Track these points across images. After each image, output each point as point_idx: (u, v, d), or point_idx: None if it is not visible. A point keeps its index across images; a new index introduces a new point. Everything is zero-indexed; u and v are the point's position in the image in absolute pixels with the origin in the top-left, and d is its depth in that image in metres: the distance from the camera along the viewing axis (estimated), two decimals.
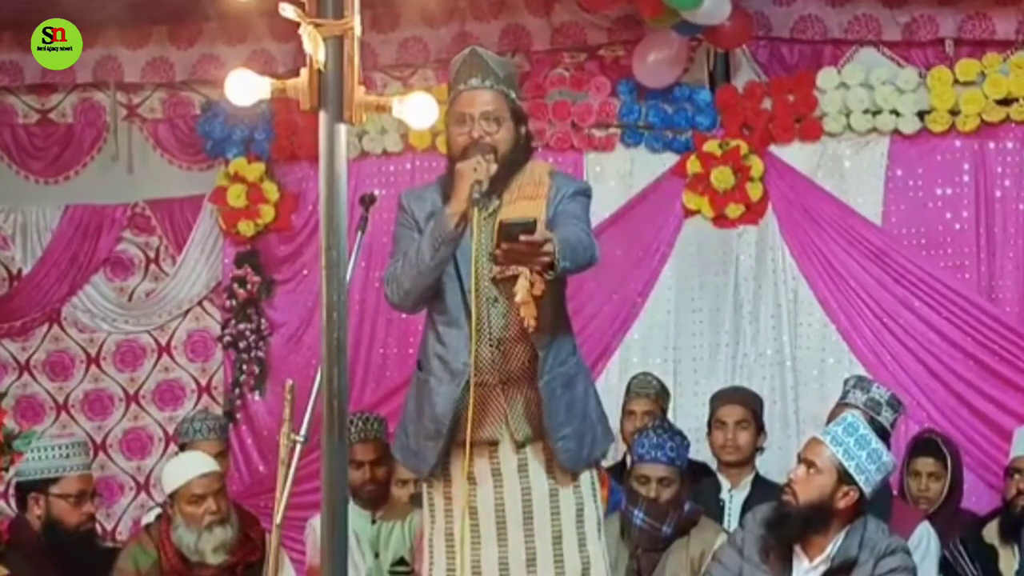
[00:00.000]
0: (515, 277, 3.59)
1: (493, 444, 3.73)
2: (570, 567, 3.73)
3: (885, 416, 4.85)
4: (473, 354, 3.62)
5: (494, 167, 3.63)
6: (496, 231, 3.39)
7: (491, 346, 3.68)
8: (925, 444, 5.19)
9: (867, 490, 3.96)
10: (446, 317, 3.71)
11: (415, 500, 5.35)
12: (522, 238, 3.34)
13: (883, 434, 4.87)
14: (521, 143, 3.78)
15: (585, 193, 3.83)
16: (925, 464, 5.11)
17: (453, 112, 3.73)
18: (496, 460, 3.73)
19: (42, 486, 4.62)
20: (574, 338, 3.87)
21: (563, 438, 3.71)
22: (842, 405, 4.86)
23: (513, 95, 3.77)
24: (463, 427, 3.65)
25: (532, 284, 3.55)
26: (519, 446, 3.73)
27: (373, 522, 5.03)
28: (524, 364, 3.69)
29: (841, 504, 3.96)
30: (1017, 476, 4.80)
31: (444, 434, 3.68)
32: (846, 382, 5.04)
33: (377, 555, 5.02)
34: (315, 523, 5.10)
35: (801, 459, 4.07)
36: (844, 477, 3.95)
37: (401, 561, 5.03)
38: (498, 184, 3.69)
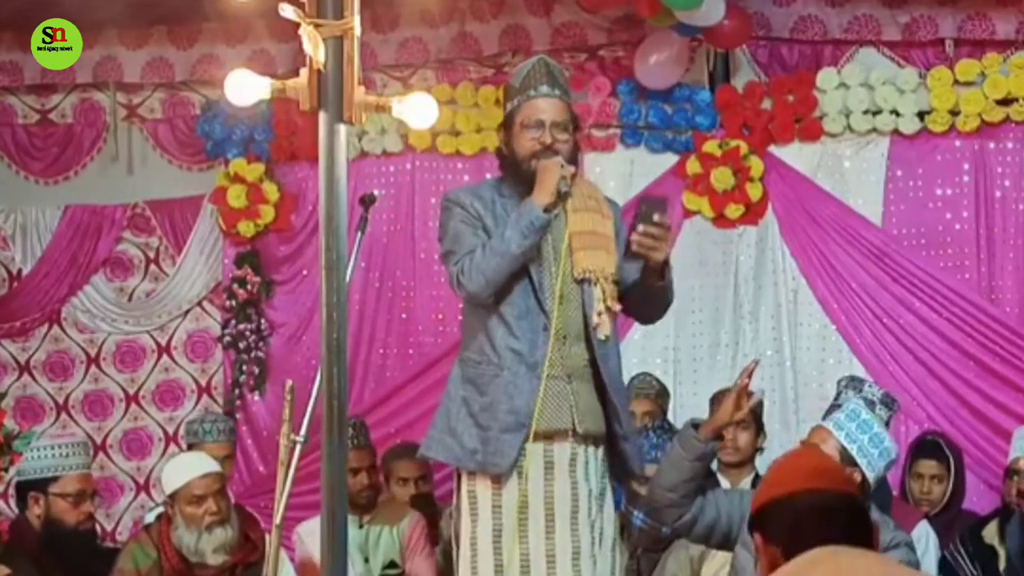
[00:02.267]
0: (587, 279, 3.81)
1: (551, 437, 3.78)
2: (601, 567, 3.80)
3: (880, 414, 4.86)
4: (550, 348, 3.75)
5: (573, 168, 3.83)
6: (636, 213, 3.72)
7: (559, 341, 3.78)
8: (928, 446, 5.19)
9: (870, 475, 3.97)
10: (516, 310, 3.79)
11: (416, 500, 5.36)
12: (656, 217, 3.69)
13: None
14: (577, 150, 3.96)
15: (624, 224, 4.02)
16: (928, 466, 5.11)
17: (523, 115, 3.85)
18: (550, 453, 3.79)
19: (41, 485, 4.62)
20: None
21: (630, 441, 3.91)
22: (836, 407, 4.87)
23: (571, 103, 3.96)
24: (536, 419, 3.75)
25: (607, 297, 3.81)
26: (578, 441, 3.80)
27: (361, 527, 5.03)
28: (586, 362, 3.82)
29: None
30: (1016, 477, 4.80)
31: (526, 425, 3.73)
32: (839, 383, 5.05)
33: (367, 560, 5.02)
34: (301, 530, 5.11)
35: (802, 442, 4.09)
36: (846, 459, 3.97)
37: (391, 564, 5.03)
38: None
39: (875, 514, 4.02)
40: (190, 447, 5.43)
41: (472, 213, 3.85)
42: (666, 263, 3.79)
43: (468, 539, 3.83)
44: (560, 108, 3.83)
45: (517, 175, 3.84)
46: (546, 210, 3.72)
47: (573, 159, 3.87)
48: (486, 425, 3.78)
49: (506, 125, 3.90)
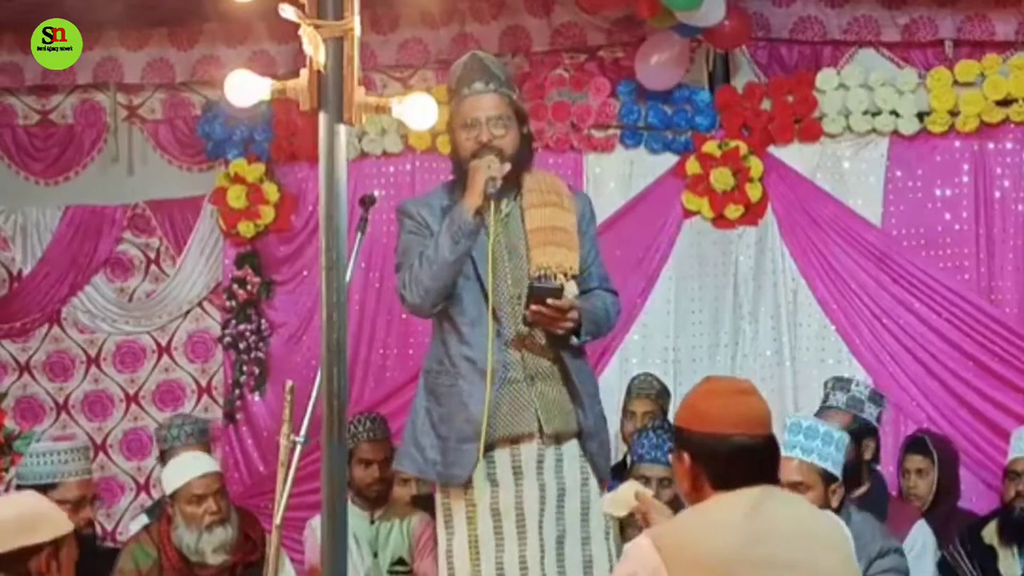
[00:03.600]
0: (545, 274, 3.73)
1: (517, 441, 3.74)
2: (571, 566, 3.74)
3: (869, 412, 4.88)
4: (491, 352, 3.68)
5: (507, 166, 3.72)
6: (527, 293, 3.64)
7: (517, 343, 3.73)
8: (915, 443, 5.23)
9: (837, 470, 3.99)
10: (467, 318, 3.74)
11: (416, 501, 5.36)
12: (549, 302, 3.59)
13: (870, 429, 4.91)
14: (526, 144, 3.85)
15: (594, 214, 3.97)
16: (913, 461, 5.14)
17: (459, 116, 3.78)
18: (518, 457, 3.76)
19: (41, 491, 4.58)
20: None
21: (598, 443, 3.84)
22: (825, 409, 4.88)
23: (515, 96, 3.84)
24: (493, 425, 3.69)
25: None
26: (545, 441, 3.76)
27: (372, 522, 5.03)
28: (549, 361, 3.76)
29: (834, 503, 3.99)
30: (1016, 478, 4.80)
31: (482, 434, 3.69)
32: (825, 384, 5.06)
33: (376, 555, 5.03)
34: (315, 524, 5.11)
35: (784, 486, 4.07)
36: (828, 477, 3.98)
37: (400, 561, 5.03)
38: (509, 186, 3.78)
39: (856, 516, 4.06)
40: (163, 454, 5.42)
41: (419, 222, 3.80)
42: (574, 332, 3.71)
43: (444, 552, 3.83)
44: (495, 102, 3.75)
45: (461, 177, 3.78)
46: (477, 213, 3.65)
47: (523, 153, 3.79)
48: (445, 435, 3.76)
49: (449, 127, 3.84)
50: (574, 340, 3.73)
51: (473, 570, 3.75)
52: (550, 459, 3.76)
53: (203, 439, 5.57)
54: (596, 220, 4.03)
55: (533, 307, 3.60)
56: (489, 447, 3.71)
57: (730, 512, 2.70)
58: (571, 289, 3.72)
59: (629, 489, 3.25)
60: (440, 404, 3.78)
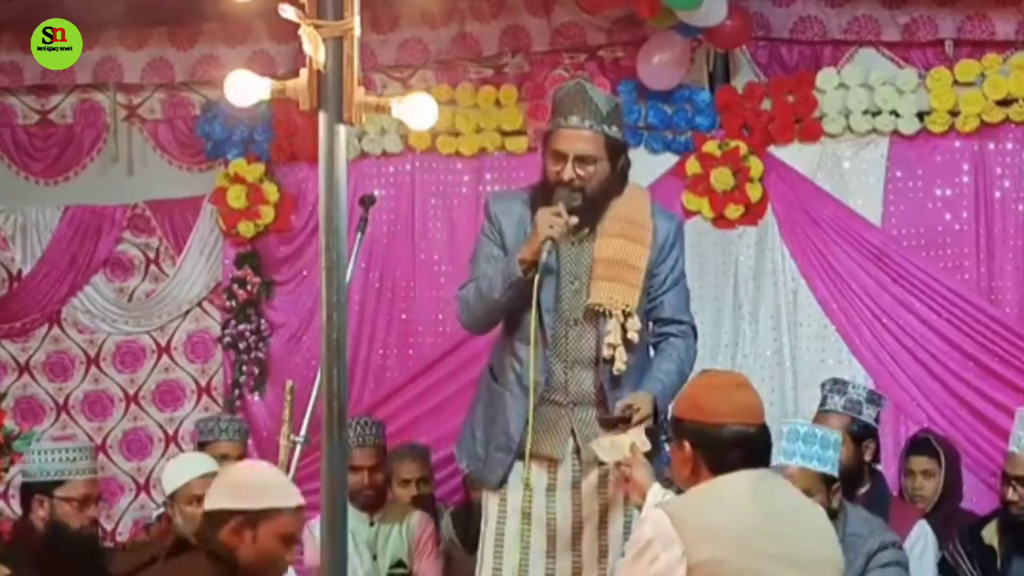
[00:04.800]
0: (598, 310, 3.76)
1: (554, 461, 3.79)
2: None
3: (868, 414, 4.88)
4: (535, 372, 3.71)
5: (574, 221, 3.73)
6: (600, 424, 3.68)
7: (564, 367, 3.76)
8: (919, 443, 5.22)
9: (833, 470, 4.04)
10: (522, 334, 3.77)
11: (417, 501, 5.36)
12: (621, 427, 3.61)
13: (870, 431, 4.91)
14: (616, 177, 3.87)
15: (681, 236, 4.00)
16: (919, 462, 5.13)
17: (551, 143, 3.81)
18: (554, 476, 3.80)
19: (47, 489, 4.58)
20: None
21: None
22: (823, 412, 4.88)
23: (615, 131, 3.82)
24: (530, 441, 3.73)
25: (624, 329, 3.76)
26: (583, 466, 3.79)
27: (371, 524, 5.03)
28: (593, 389, 3.80)
29: (835, 503, 4.02)
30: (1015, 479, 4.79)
31: (515, 449, 3.76)
32: (823, 387, 5.05)
33: (375, 557, 5.03)
34: (314, 525, 5.11)
35: None
36: (828, 480, 4.01)
37: (399, 563, 5.04)
38: (588, 215, 3.80)
39: (852, 514, 4.07)
40: (201, 446, 5.41)
41: (495, 227, 3.85)
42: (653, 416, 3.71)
43: (481, 539, 3.91)
44: (588, 140, 3.74)
45: (544, 196, 3.81)
46: (531, 265, 3.65)
47: (611, 186, 3.81)
48: (486, 440, 3.84)
49: (543, 142, 3.86)
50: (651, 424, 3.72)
51: (495, 564, 3.82)
52: (590, 480, 3.81)
53: (245, 439, 5.61)
54: (683, 241, 4.01)
55: (612, 464, 3.60)
56: (523, 456, 3.76)
57: (735, 488, 2.90)
58: (637, 435, 3.65)
59: (627, 440, 3.36)
60: (487, 408, 3.87)
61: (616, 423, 3.63)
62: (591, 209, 3.80)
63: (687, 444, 2.96)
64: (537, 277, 3.67)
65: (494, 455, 3.79)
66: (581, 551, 3.78)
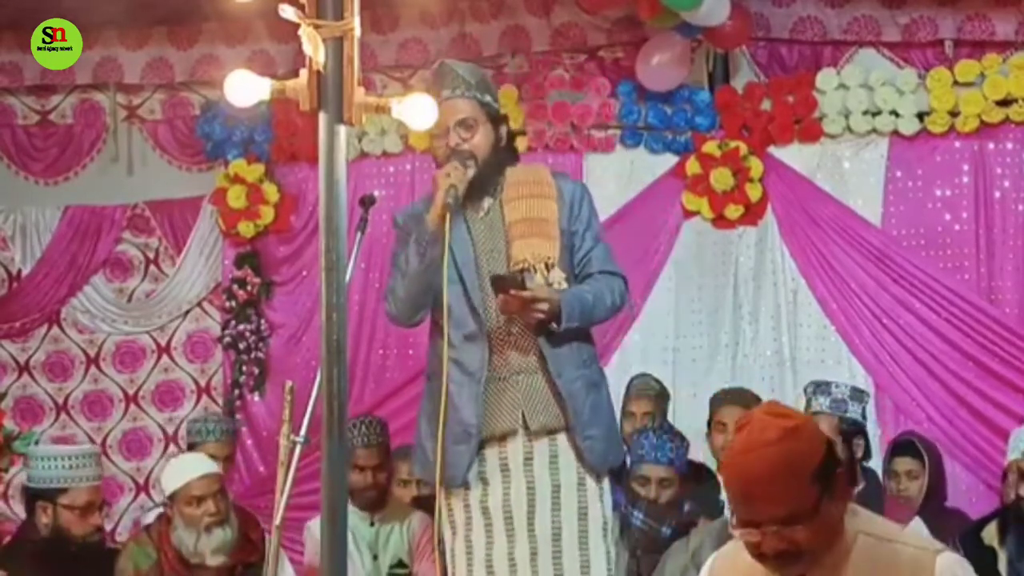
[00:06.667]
0: (523, 267, 3.69)
1: (503, 438, 3.74)
2: (568, 565, 3.72)
3: (854, 411, 4.88)
4: (446, 358, 3.66)
5: (472, 171, 3.73)
6: (491, 285, 3.62)
7: (501, 340, 3.72)
8: (903, 445, 5.21)
9: None
10: (453, 320, 3.73)
11: (417, 502, 5.36)
12: (512, 292, 3.55)
13: (858, 428, 4.90)
14: (502, 143, 3.86)
15: (590, 199, 3.90)
16: (903, 463, 5.12)
17: (434, 127, 3.73)
18: (504, 455, 3.74)
19: (50, 495, 4.56)
20: (594, 348, 3.89)
21: (590, 437, 3.73)
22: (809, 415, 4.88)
23: (488, 98, 3.86)
24: (484, 424, 3.70)
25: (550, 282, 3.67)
26: (531, 437, 3.74)
27: (372, 524, 5.03)
28: (535, 356, 3.72)
29: None
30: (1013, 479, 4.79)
31: (474, 435, 3.70)
32: (806, 390, 5.04)
33: (376, 557, 5.02)
34: (312, 525, 5.11)
35: None
36: None
37: (400, 563, 5.03)
38: (487, 185, 3.81)
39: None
40: (191, 447, 5.41)
41: (405, 231, 3.85)
42: (553, 317, 3.62)
43: (449, 553, 3.83)
44: (460, 106, 3.77)
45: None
46: (441, 220, 3.64)
47: (500, 153, 3.81)
48: (439, 442, 3.73)
49: (430, 138, 3.89)
50: (553, 327, 3.66)
51: (467, 570, 3.75)
52: (542, 455, 3.74)
53: (232, 438, 5.59)
54: (592, 203, 3.93)
55: (501, 296, 3.60)
56: (479, 446, 3.72)
57: None
58: (536, 279, 3.66)
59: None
60: (434, 414, 3.76)
61: (508, 286, 3.56)
62: (489, 176, 3.80)
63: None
64: (448, 234, 3.65)
65: (452, 450, 3.70)
66: (535, 531, 3.72)
